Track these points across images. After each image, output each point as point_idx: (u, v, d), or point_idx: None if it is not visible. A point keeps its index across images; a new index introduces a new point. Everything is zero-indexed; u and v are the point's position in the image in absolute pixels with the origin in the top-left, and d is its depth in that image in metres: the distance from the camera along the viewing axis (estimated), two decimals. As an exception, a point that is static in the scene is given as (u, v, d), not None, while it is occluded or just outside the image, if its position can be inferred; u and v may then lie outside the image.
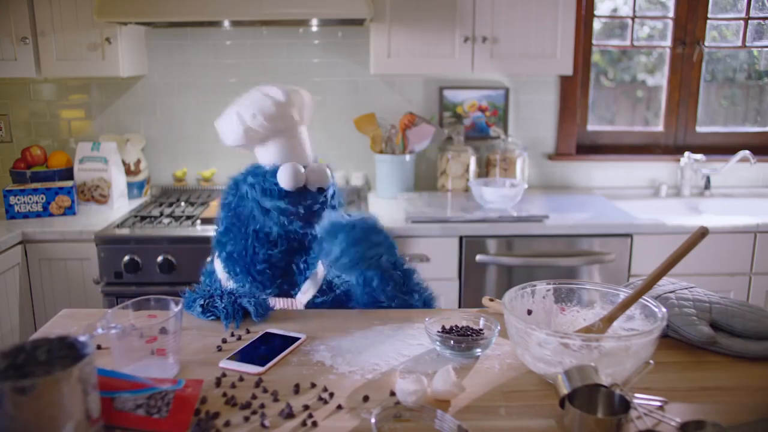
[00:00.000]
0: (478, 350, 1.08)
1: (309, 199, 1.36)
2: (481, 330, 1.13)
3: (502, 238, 2.37)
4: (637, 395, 0.92)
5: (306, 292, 1.38)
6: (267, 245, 1.37)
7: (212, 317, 1.26)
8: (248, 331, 1.20)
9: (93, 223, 2.41)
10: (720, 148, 3.00)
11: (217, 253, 1.42)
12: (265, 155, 1.39)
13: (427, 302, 1.39)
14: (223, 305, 1.24)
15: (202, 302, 1.27)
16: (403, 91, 2.92)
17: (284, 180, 1.32)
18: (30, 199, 2.48)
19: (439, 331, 1.12)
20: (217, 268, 1.43)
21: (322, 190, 1.38)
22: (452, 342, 1.07)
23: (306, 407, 0.92)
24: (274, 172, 1.34)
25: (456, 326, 1.14)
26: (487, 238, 2.36)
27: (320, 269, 1.40)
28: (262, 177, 1.35)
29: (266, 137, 1.37)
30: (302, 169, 1.34)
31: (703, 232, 1.02)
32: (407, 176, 2.82)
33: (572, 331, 1.06)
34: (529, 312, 1.12)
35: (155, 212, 2.57)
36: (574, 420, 0.82)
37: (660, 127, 3.06)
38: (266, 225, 1.36)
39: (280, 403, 0.93)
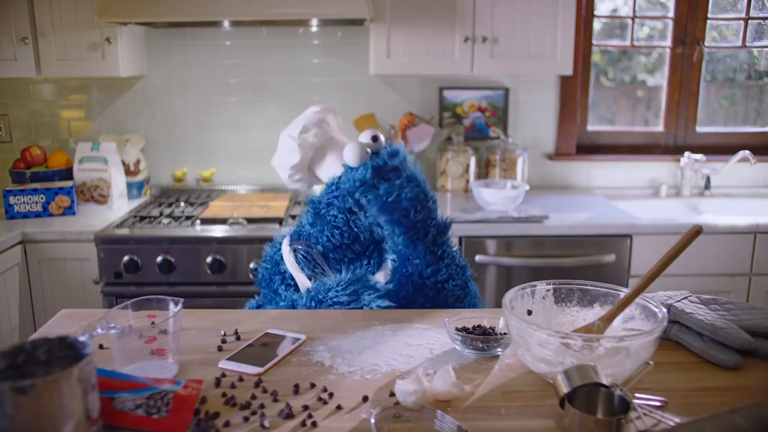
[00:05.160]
0: (499, 349, 1.09)
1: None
2: (492, 327, 1.14)
3: (501, 239, 2.37)
4: (637, 395, 0.92)
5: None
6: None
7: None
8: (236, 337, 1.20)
9: (93, 223, 2.41)
10: (720, 148, 3.00)
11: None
12: (326, 171, 1.44)
13: (472, 297, 1.39)
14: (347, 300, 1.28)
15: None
16: (403, 92, 2.92)
17: (350, 157, 1.29)
18: (30, 199, 2.48)
19: (458, 329, 1.13)
20: (286, 259, 1.42)
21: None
22: (479, 343, 1.08)
23: (305, 407, 0.92)
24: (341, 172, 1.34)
25: (476, 326, 1.15)
26: (486, 238, 2.36)
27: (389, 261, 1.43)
28: (334, 184, 1.34)
29: (321, 148, 1.44)
30: (367, 150, 1.33)
31: (697, 230, 1.03)
32: (407, 176, 2.81)
33: (571, 331, 1.06)
34: (529, 312, 1.12)
35: (155, 212, 2.56)
36: (574, 420, 0.82)
37: (660, 127, 3.06)
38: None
39: (279, 404, 0.93)
